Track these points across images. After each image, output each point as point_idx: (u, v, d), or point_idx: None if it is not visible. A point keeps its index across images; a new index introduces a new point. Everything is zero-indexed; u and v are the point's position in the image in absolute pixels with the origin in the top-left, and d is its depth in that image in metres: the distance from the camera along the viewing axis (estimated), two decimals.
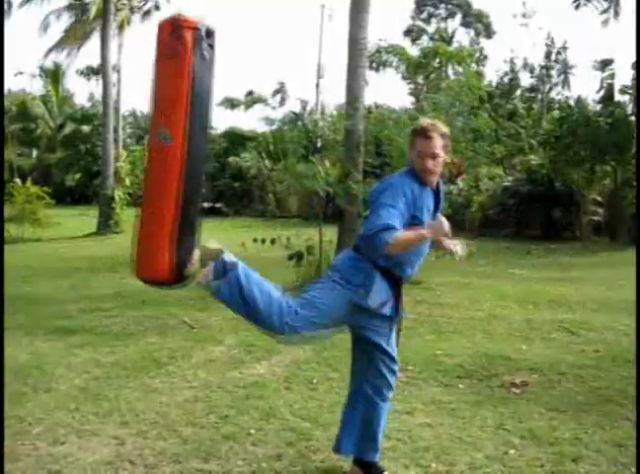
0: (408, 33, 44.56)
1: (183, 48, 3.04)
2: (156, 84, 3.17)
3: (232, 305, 3.34)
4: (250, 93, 33.19)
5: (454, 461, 3.75)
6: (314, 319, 3.33)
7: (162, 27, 3.13)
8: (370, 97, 31.98)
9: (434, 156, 3.28)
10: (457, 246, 3.32)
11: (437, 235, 3.24)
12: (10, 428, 4.17)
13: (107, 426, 4.31)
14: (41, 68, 41.05)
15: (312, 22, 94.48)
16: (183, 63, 3.05)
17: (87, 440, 4.08)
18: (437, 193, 3.43)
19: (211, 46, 3.18)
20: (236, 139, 33.21)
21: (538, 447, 3.95)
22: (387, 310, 3.38)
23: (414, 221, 3.25)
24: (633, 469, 3.64)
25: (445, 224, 3.22)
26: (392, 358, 3.56)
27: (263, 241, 9.94)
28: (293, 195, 25.06)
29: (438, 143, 3.30)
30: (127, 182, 22.10)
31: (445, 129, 3.38)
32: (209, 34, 3.16)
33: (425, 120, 3.45)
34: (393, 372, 3.59)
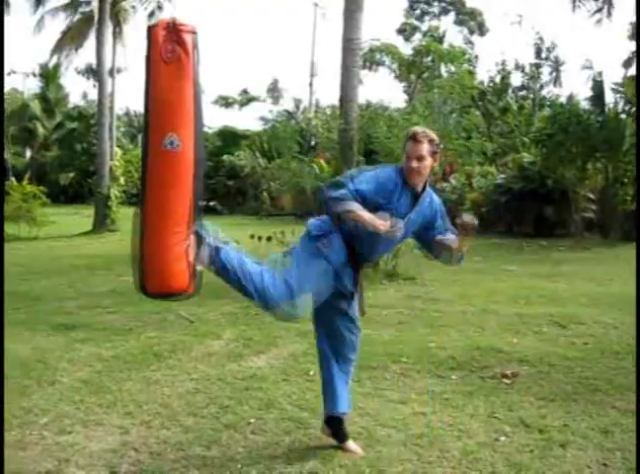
0: (401, 31, 44.65)
1: (184, 53, 3.06)
2: (156, 89, 3.12)
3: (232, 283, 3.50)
4: (244, 91, 33.35)
5: (447, 448, 3.89)
6: (303, 282, 3.52)
7: (157, 31, 3.09)
8: (364, 95, 32.10)
9: (419, 158, 3.56)
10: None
11: (384, 231, 3.45)
12: (17, 418, 4.31)
13: (111, 416, 4.44)
14: (41, 66, 41.16)
15: (306, 20, 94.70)
16: (186, 67, 3.07)
17: (92, 430, 4.21)
18: (416, 197, 3.65)
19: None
20: (230, 138, 33.33)
21: (528, 434, 4.09)
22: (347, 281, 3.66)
23: (378, 208, 3.48)
24: (618, 454, 3.80)
25: (400, 227, 3.53)
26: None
27: (260, 238, 10.07)
28: (287, 192, 25.10)
29: (425, 147, 3.57)
30: (122, 180, 22.23)
31: (435, 137, 3.65)
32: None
33: (417, 127, 3.75)
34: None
